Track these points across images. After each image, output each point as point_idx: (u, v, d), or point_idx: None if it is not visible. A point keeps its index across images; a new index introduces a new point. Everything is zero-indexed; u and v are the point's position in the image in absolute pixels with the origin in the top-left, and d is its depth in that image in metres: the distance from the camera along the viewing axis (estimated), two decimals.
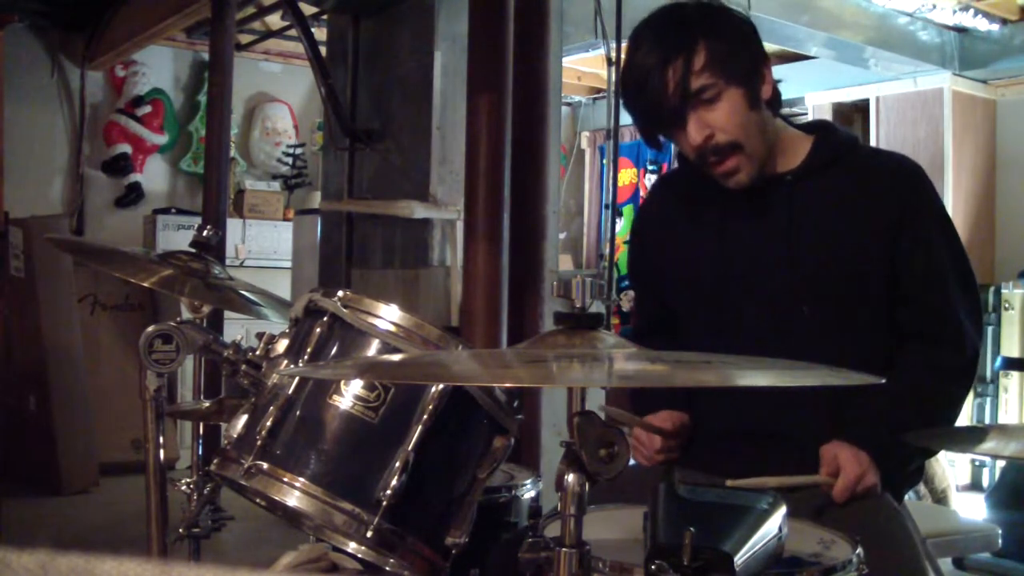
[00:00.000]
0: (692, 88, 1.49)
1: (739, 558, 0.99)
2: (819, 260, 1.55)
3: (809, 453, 1.50)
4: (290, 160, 6.25)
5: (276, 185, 6.22)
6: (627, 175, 7.18)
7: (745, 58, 1.54)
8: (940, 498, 4.07)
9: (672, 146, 6.72)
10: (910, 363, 1.55)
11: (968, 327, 1.56)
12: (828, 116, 5.73)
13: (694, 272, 1.64)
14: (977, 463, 5.03)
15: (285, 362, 1.31)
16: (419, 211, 3.49)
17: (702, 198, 1.65)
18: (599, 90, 7.13)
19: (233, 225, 5.54)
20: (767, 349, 1.50)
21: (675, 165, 7.01)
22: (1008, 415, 4.92)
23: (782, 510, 1.12)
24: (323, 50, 4.02)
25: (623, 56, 1.64)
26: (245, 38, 5.79)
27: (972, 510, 3.93)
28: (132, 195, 5.99)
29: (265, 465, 1.22)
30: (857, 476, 1.42)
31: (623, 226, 7.15)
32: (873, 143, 5.48)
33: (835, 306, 1.55)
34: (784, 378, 1.03)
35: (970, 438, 1.42)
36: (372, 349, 1.27)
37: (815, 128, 1.67)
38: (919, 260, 1.55)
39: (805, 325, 1.54)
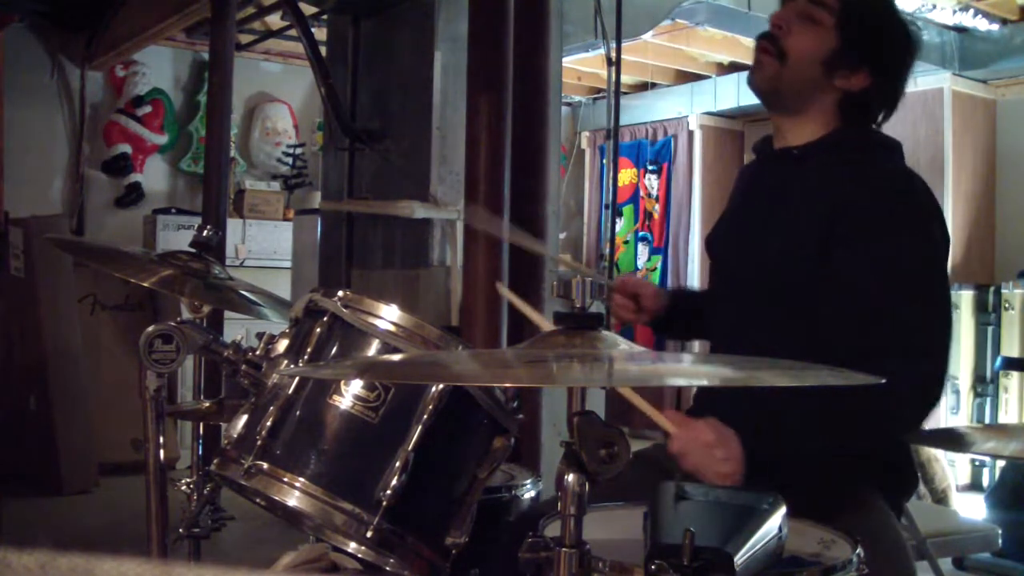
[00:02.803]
0: None
1: (739, 558, 0.99)
2: (771, 241, 1.55)
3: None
4: (290, 160, 6.25)
5: (276, 185, 6.22)
6: (627, 175, 7.18)
7: (862, 40, 1.56)
8: (940, 498, 4.07)
9: (672, 146, 6.67)
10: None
11: (917, 348, 1.42)
12: None
13: (721, 244, 1.74)
14: (977, 463, 5.03)
15: (285, 362, 1.31)
16: (419, 211, 3.49)
17: (749, 180, 1.77)
18: (599, 90, 7.13)
19: (233, 225, 5.53)
20: (730, 328, 1.61)
21: (675, 166, 7.00)
22: (1008, 415, 4.92)
23: (782, 510, 1.12)
24: (323, 50, 4.02)
25: None
26: (245, 38, 5.79)
27: (972, 510, 3.93)
28: (132, 195, 5.99)
29: (265, 465, 1.22)
30: (693, 430, 1.34)
31: (623, 226, 7.15)
32: None
33: (774, 290, 1.53)
34: (784, 378, 1.03)
35: (970, 438, 1.41)
36: (372, 349, 1.27)
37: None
38: (849, 268, 1.45)
39: (757, 308, 1.57)
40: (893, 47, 1.61)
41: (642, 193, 7.14)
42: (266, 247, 5.88)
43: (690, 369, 1.07)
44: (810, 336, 1.48)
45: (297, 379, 1.25)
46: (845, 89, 1.58)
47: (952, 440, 1.42)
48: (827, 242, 1.46)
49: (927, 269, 1.47)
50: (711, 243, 1.76)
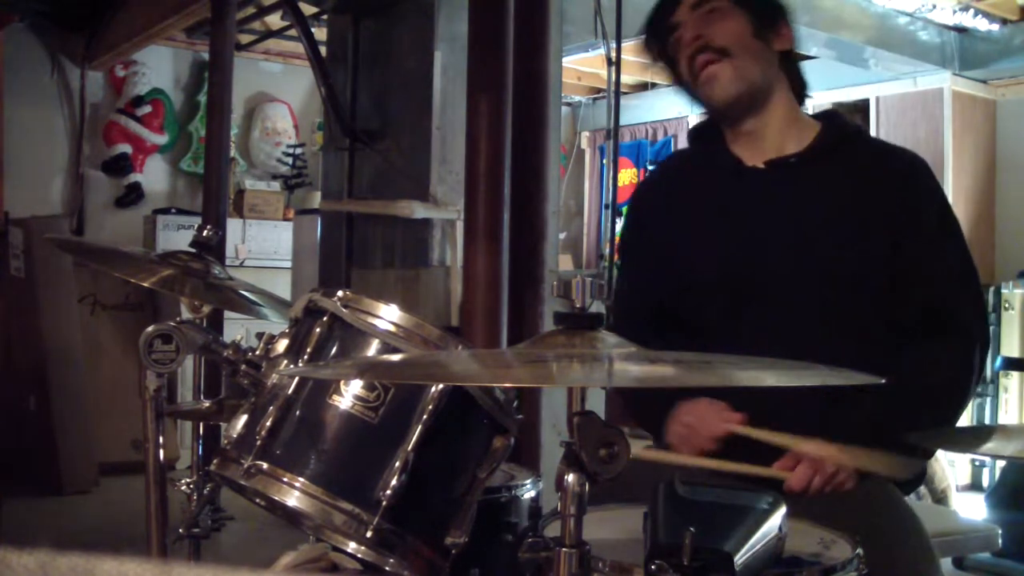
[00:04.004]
0: None
1: (739, 558, 0.99)
2: (825, 245, 1.54)
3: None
4: (290, 160, 6.25)
5: (276, 185, 6.22)
6: (627, 175, 7.18)
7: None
8: (940, 498, 4.07)
9: (672, 146, 6.68)
10: (913, 359, 1.52)
11: (972, 323, 1.56)
12: None
13: (694, 253, 1.63)
14: (977, 463, 5.03)
15: (285, 362, 1.31)
16: (419, 211, 3.49)
17: (707, 179, 1.66)
18: (599, 90, 7.14)
19: (233, 225, 5.53)
20: (769, 336, 1.53)
21: None
22: (1008, 415, 4.92)
23: (782, 510, 1.12)
24: (323, 50, 4.02)
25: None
26: (245, 38, 5.79)
27: (972, 510, 3.93)
28: (132, 195, 5.99)
29: (265, 465, 1.22)
30: (815, 464, 1.39)
31: (623, 226, 7.15)
32: None
33: (838, 293, 1.54)
34: (784, 378, 1.03)
35: (970, 438, 1.41)
36: (372, 349, 1.27)
37: (823, 116, 1.68)
38: (922, 255, 1.54)
39: (809, 311, 1.54)
40: None
41: None
42: (266, 247, 5.88)
43: (690, 369, 1.06)
44: (878, 330, 1.54)
45: (297, 379, 1.25)
46: (783, 50, 1.62)
47: (952, 440, 1.42)
48: (900, 235, 1.53)
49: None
50: (699, 264, 1.62)
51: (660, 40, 1.65)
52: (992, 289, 5.07)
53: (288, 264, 5.09)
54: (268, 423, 1.23)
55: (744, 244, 1.58)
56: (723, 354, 1.51)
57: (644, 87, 6.83)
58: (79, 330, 4.55)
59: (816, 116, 1.68)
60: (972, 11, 5.10)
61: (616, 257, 4.67)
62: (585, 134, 7.59)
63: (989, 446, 1.21)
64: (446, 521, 1.25)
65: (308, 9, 4.14)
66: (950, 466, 4.52)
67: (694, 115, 6.79)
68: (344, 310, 1.28)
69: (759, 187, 1.60)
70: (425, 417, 1.20)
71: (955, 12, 5.11)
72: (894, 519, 1.42)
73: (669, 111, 6.96)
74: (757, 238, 1.58)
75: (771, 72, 1.60)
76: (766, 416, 1.51)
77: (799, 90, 1.66)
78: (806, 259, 1.54)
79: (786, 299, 1.55)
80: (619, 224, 7.00)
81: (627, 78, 6.49)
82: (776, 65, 1.61)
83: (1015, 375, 4.90)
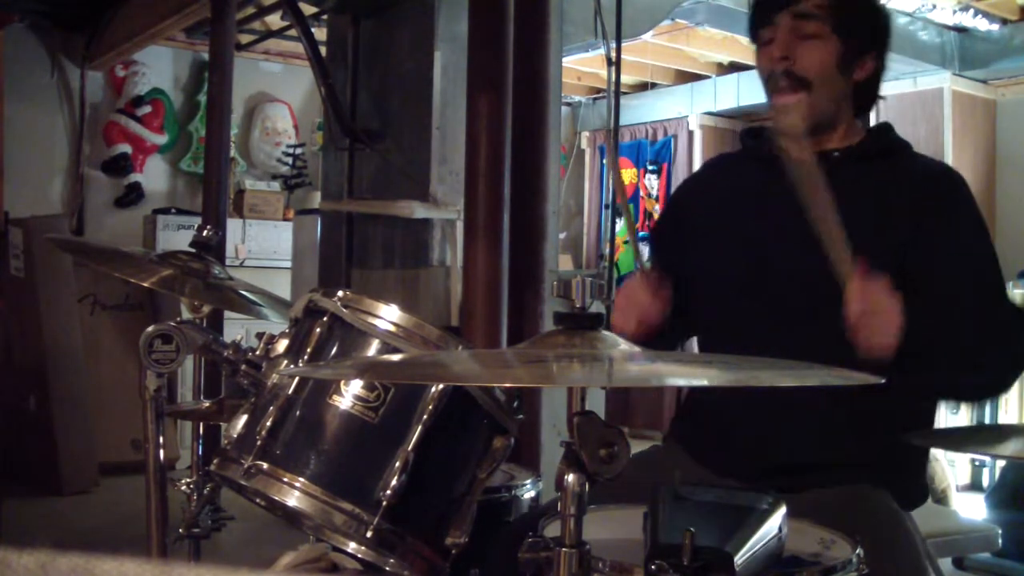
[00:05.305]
0: (800, 10, 1.55)
1: (739, 558, 0.99)
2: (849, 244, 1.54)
3: (810, 450, 1.50)
4: (290, 160, 6.25)
5: (276, 185, 6.22)
6: (627, 175, 7.18)
7: (859, 29, 1.59)
8: (940, 498, 4.07)
9: (672, 146, 6.65)
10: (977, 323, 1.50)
11: (989, 348, 1.51)
12: None
13: (726, 245, 1.66)
14: (977, 463, 5.03)
15: (285, 362, 1.31)
16: (419, 211, 3.49)
17: (748, 170, 1.69)
18: (599, 90, 7.13)
19: (233, 225, 5.53)
20: (789, 329, 1.54)
21: (675, 166, 6.97)
22: (1008, 415, 4.92)
23: (782, 510, 1.12)
24: (323, 50, 4.03)
25: None
26: (245, 38, 5.79)
27: (972, 510, 3.93)
28: (132, 195, 5.99)
29: (265, 465, 1.22)
30: (867, 296, 1.37)
31: (623, 226, 7.15)
32: None
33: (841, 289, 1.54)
34: (784, 378, 1.03)
35: (970, 438, 1.42)
36: (372, 349, 1.27)
37: (873, 128, 1.71)
38: (955, 266, 1.54)
39: (828, 307, 1.53)
40: (885, 21, 1.66)
41: (642, 193, 7.14)
42: (266, 247, 5.88)
43: (690, 369, 1.07)
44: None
45: (297, 379, 1.25)
46: (859, 80, 1.62)
47: (952, 440, 1.42)
48: (916, 238, 1.52)
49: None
50: (728, 252, 1.65)
51: (753, 33, 1.65)
52: None
53: (288, 264, 5.09)
54: (268, 423, 1.23)
55: (774, 240, 1.60)
56: (735, 339, 1.52)
57: (644, 87, 6.83)
58: (79, 330, 4.55)
59: (868, 129, 1.71)
60: (972, 11, 5.10)
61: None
62: (585, 134, 7.58)
63: (989, 446, 1.21)
64: (446, 521, 1.25)
65: (308, 9, 4.14)
66: (950, 466, 4.52)
67: (694, 115, 6.80)
68: (344, 310, 1.28)
69: (783, 179, 1.61)
70: (425, 417, 1.20)
71: (955, 12, 5.11)
72: (887, 528, 1.41)
73: (669, 111, 6.96)
74: (786, 233, 1.58)
75: (844, 104, 1.62)
76: (772, 421, 1.51)
77: (863, 108, 1.67)
78: (817, 250, 1.54)
79: (809, 295, 1.54)
80: (619, 224, 7.01)
81: (627, 78, 6.50)
82: (849, 95, 1.62)
83: None
